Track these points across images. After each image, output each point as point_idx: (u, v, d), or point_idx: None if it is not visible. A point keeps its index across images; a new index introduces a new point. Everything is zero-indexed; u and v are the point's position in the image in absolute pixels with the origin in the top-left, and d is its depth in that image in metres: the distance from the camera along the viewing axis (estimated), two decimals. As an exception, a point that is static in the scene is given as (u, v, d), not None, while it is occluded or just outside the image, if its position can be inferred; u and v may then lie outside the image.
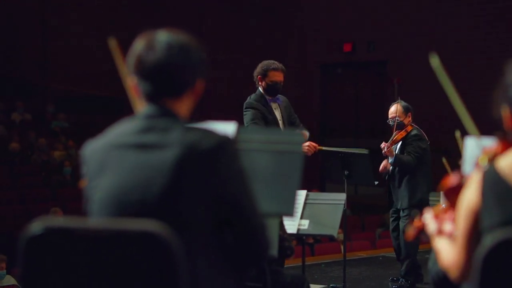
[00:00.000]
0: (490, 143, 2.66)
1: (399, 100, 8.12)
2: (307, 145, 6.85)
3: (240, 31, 19.22)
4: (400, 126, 7.92)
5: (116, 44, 3.03)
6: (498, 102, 2.49)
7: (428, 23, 16.56)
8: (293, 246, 4.60)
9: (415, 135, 7.91)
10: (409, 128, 7.94)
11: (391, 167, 7.95)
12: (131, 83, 2.68)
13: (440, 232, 2.79)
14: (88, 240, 2.30)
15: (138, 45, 2.64)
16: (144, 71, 2.61)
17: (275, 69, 6.92)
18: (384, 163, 8.00)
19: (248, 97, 6.96)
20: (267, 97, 6.91)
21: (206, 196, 2.49)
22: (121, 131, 2.63)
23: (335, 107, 18.66)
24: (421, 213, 3.00)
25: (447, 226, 2.76)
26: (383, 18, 17.29)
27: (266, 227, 2.63)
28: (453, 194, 2.79)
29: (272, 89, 6.91)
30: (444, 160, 4.62)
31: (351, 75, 18.48)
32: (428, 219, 2.90)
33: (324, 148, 7.24)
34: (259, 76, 6.91)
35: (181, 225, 2.45)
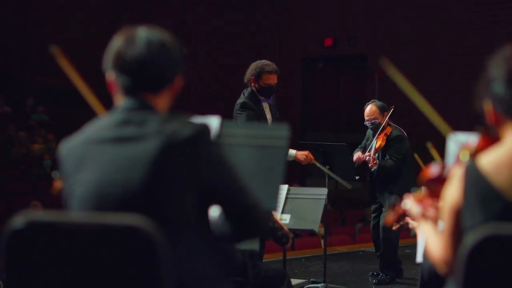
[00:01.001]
0: (472, 138, 2.66)
1: (374, 100, 8.06)
2: (305, 155, 6.88)
3: (222, 25, 19.19)
4: (378, 127, 7.84)
5: (60, 52, 3.04)
6: (480, 96, 2.48)
7: (409, 18, 16.61)
8: (287, 233, 4.59)
9: (397, 136, 7.79)
10: (388, 130, 7.84)
11: (373, 168, 7.89)
12: (109, 78, 2.67)
13: (424, 216, 2.79)
14: (71, 235, 2.29)
15: (118, 40, 2.65)
16: (124, 65, 2.61)
17: (269, 72, 6.84)
18: (358, 154, 7.93)
19: (242, 94, 6.88)
20: (259, 96, 6.86)
21: (189, 185, 2.50)
22: (98, 126, 2.63)
23: (316, 101, 18.69)
24: (401, 199, 3.01)
25: (430, 212, 2.77)
26: (364, 13, 17.33)
27: (258, 202, 2.68)
28: (433, 185, 2.80)
29: (265, 92, 6.85)
30: (416, 156, 4.62)
31: (332, 70, 18.51)
32: (410, 203, 2.92)
33: (317, 164, 7.23)
34: (252, 77, 6.84)
35: (164, 216, 2.46)
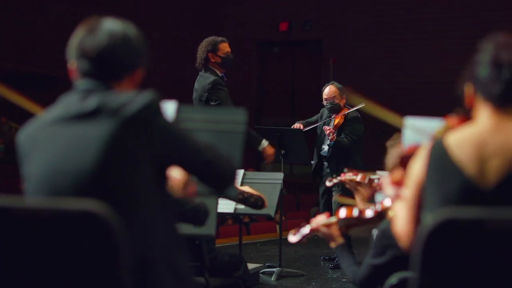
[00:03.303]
0: (452, 117, 2.67)
1: (333, 82, 8.10)
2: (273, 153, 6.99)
3: (176, 10, 19.07)
4: (336, 108, 7.89)
5: None
6: (464, 79, 2.51)
7: (364, 3, 16.66)
8: (259, 197, 4.61)
9: (355, 117, 7.88)
10: (346, 110, 7.90)
11: (326, 146, 7.92)
12: (71, 67, 2.69)
13: (397, 197, 2.80)
14: (26, 220, 2.27)
15: (81, 30, 2.68)
16: (84, 52, 2.63)
17: (224, 41, 6.85)
18: (298, 125, 7.98)
19: (203, 74, 6.80)
20: (219, 72, 6.82)
21: (145, 158, 2.52)
22: (55, 108, 2.64)
23: (272, 86, 18.68)
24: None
25: (405, 192, 2.78)
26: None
27: (220, 154, 2.73)
28: (407, 162, 2.80)
29: (228, 62, 6.83)
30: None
31: (288, 54, 18.51)
32: (386, 183, 2.91)
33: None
34: (210, 53, 6.78)
35: (120, 194, 2.49)
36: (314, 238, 10.08)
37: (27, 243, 2.26)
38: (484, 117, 2.43)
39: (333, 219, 3.72)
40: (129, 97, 2.54)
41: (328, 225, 3.73)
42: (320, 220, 3.77)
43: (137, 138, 2.50)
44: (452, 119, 2.64)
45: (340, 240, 3.76)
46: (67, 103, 2.60)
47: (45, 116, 2.63)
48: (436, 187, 2.38)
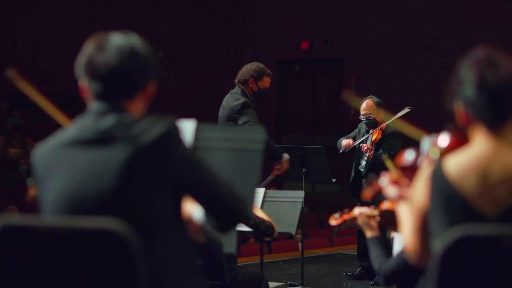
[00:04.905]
0: (443, 135, 2.67)
1: (371, 96, 8.00)
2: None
3: (196, 27, 19.15)
4: (372, 123, 7.84)
5: (16, 74, 3.08)
6: (451, 96, 2.49)
7: (384, 22, 16.68)
8: (270, 224, 4.59)
9: (393, 132, 7.74)
10: (384, 125, 7.78)
11: (365, 159, 7.83)
12: (82, 85, 2.67)
13: (401, 197, 2.79)
14: (47, 239, 2.28)
15: (89, 46, 2.64)
16: (94, 72, 2.60)
17: (270, 76, 6.84)
18: (348, 141, 7.93)
19: (233, 95, 6.78)
20: (251, 96, 6.81)
21: (162, 186, 2.51)
22: (70, 130, 2.63)
23: (292, 104, 18.70)
24: (377, 176, 3.01)
25: (407, 192, 2.78)
26: (341, 17, 17.38)
27: (234, 191, 2.69)
28: (407, 172, 2.81)
29: (261, 95, 6.82)
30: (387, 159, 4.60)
31: (309, 73, 18.53)
32: (386, 183, 2.91)
33: None
34: (252, 78, 6.77)
35: (138, 219, 2.47)
36: (336, 256, 10.05)
37: (46, 261, 2.28)
38: (480, 139, 2.40)
39: (375, 212, 3.76)
40: (147, 125, 2.52)
41: (368, 217, 3.77)
42: (363, 209, 3.81)
43: (154, 166, 2.49)
44: (448, 139, 2.62)
45: (376, 232, 3.79)
46: (81, 126, 2.59)
47: (60, 137, 2.62)
48: (441, 217, 2.36)
